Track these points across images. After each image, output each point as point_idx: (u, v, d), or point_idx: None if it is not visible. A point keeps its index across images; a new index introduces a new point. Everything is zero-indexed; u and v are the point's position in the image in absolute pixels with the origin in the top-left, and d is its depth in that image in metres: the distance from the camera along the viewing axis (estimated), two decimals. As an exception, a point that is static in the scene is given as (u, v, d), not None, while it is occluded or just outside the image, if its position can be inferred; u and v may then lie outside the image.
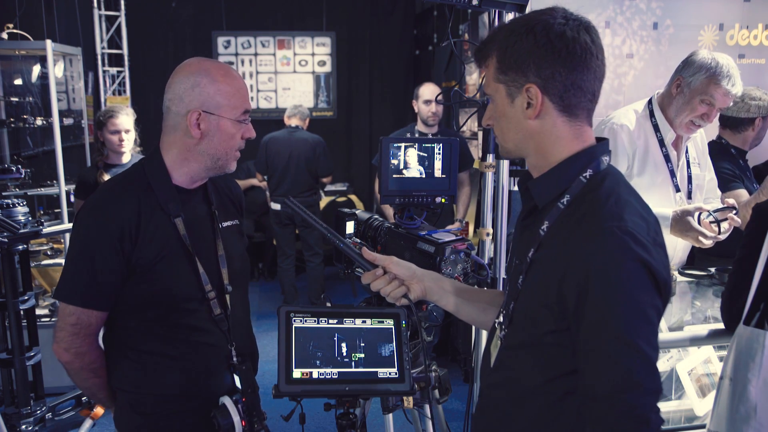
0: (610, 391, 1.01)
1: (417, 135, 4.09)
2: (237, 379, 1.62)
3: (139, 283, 1.51)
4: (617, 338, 1.01)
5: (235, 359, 1.62)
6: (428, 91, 4.04)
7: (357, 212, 1.92)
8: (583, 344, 1.05)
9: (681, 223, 2.15)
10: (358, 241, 1.81)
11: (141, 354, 1.57)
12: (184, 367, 1.58)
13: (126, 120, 3.27)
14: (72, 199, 3.69)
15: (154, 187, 1.55)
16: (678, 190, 2.33)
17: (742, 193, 2.68)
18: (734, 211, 2.17)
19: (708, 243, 2.15)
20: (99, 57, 5.81)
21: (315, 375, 1.31)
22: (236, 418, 1.55)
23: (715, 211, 2.14)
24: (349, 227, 1.87)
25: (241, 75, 1.67)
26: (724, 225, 2.14)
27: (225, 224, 1.69)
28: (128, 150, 3.35)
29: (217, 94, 1.52)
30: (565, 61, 1.10)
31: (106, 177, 3.24)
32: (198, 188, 1.64)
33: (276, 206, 4.98)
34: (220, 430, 1.54)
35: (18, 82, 4.29)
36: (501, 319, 1.27)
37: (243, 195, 1.87)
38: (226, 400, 1.57)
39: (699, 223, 2.14)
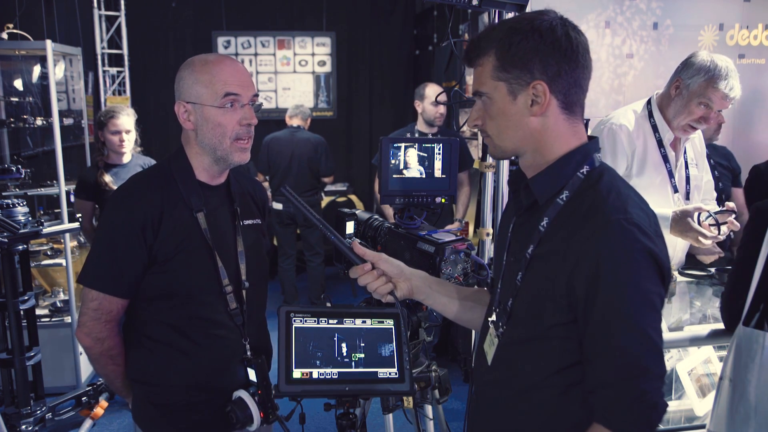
0: (622, 377, 1.05)
1: (417, 135, 4.09)
2: (252, 372, 1.65)
3: (159, 273, 1.56)
4: (627, 326, 1.04)
5: (249, 353, 1.65)
6: (435, 91, 4.03)
7: (357, 212, 1.92)
8: (592, 333, 1.07)
9: (681, 223, 2.15)
10: (358, 240, 1.80)
11: (157, 344, 1.61)
12: (198, 359, 1.61)
13: (127, 120, 3.28)
14: (72, 199, 3.68)
15: (178, 182, 1.60)
16: (676, 190, 2.33)
17: None
18: (733, 215, 2.17)
19: (708, 243, 2.15)
20: (99, 57, 5.81)
21: (315, 375, 1.31)
22: (254, 409, 1.57)
23: (715, 213, 2.14)
24: (349, 227, 1.88)
25: (240, 64, 1.63)
26: (724, 228, 2.14)
27: (246, 222, 1.72)
28: (129, 150, 3.35)
29: (196, 83, 1.55)
30: (570, 60, 1.13)
31: (107, 177, 3.25)
32: (221, 185, 1.69)
33: (278, 206, 4.97)
34: (237, 423, 1.57)
35: (18, 82, 4.28)
36: (494, 317, 1.27)
37: (267, 198, 1.91)
38: (243, 394, 1.59)
39: (699, 223, 2.14)
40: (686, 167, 2.39)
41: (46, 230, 2.65)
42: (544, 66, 1.12)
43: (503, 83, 1.15)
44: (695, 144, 2.47)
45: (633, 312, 1.04)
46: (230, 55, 6.59)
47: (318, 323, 1.35)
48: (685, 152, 2.39)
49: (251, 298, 1.69)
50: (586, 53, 1.15)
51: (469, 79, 4.88)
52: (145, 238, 1.53)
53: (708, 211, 2.14)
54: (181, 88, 1.58)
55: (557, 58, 1.12)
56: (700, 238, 2.14)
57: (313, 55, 6.78)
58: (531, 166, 1.21)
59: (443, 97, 3.92)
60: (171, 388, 1.63)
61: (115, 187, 3.20)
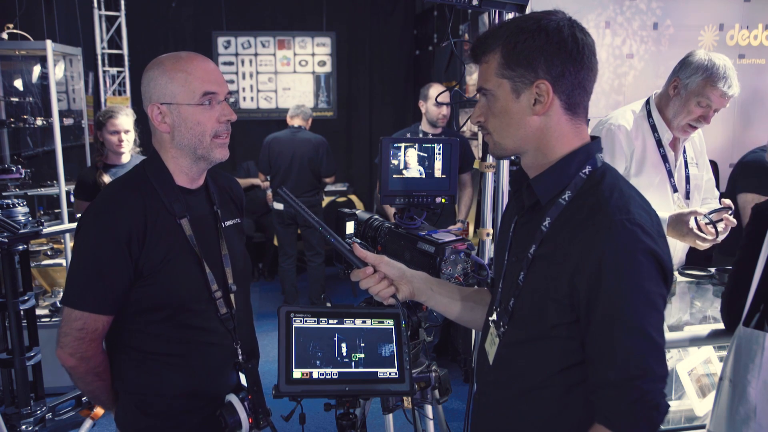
0: (624, 378, 1.05)
1: (421, 135, 4.08)
2: (242, 377, 1.62)
3: (146, 285, 1.50)
4: (630, 327, 1.04)
5: (240, 357, 1.63)
6: (438, 92, 4.02)
7: (357, 212, 1.92)
8: (595, 333, 1.08)
9: (677, 227, 2.15)
10: (358, 241, 1.81)
11: (146, 356, 1.56)
12: (191, 368, 1.58)
13: (125, 120, 3.27)
14: (72, 199, 3.69)
15: (158, 189, 1.54)
16: (675, 190, 2.33)
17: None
18: (730, 212, 2.16)
19: (706, 245, 2.15)
20: (99, 57, 5.81)
21: (315, 375, 1.31)
22: (243, 415, 1.55)
23: (710, 213, 2.13)
24: (350, 227, 1.88)
25: (211, 60, 1.59)
26: (720, 226, 2.13)
27: (227, 223, 1.68)
28: (127, 150, 3.35)
29: (170, 82, 1.49)
30: (575, 61, 1.13)
31: (106, 177, 3.24)
32: (200, 188, 1.64)
33: (279, 206, 4.98)
34: (226, 428, 1.54)
35: (18, 82, 4.29)
36: (495, 317, 1.27)
37: (243, 194, 1.86)
38: (232, 398, 1.57)
39: (698, 225, 2.13)
40: (686, 166, 2.38)
41: (46, 230, 2.64)
42: (549, 66, 1.12)
43: (507, 81, 1.15)
44: (695, 143, 2.46)
45: (635, 312, 1.04)
46: (230, 55, 6.61)
47: (318, 323, 1.35)
48: (684, 151, 2.39)
49: (238, 301, 1.65)
50: (591, 55, 1.15)
51: (469, 79, 4.89)
52: (130, 253, 1.46)
53: (703, 214, 2.13)
54: (152, 89, 1.50)
55: (562, 58, 1.12)
56: (698, 241, 2.14)
57: (313, 55, 6.78)
58: (533, 166, 1.21)
59: (444, 98, 3.91)
60: (163, 397, 1.58)
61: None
